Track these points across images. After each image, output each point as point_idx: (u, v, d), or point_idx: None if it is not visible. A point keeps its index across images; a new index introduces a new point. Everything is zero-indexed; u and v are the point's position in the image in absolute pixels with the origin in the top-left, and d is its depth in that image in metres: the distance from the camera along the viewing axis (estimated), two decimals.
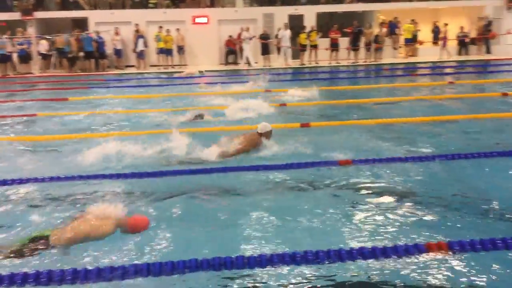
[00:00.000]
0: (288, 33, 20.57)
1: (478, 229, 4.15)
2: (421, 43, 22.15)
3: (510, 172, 5.76)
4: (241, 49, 21.31)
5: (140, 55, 20.86)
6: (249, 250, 3.82)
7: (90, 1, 22.72)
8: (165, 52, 21.20)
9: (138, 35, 20.75)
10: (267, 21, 22.03)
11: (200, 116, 8.91)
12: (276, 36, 20.96)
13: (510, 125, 8.23)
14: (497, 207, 4.65)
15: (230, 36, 21.46)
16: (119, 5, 22.71)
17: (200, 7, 22.46)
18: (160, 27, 21.00)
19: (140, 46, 20.66)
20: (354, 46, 21.32)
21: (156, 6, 22.59)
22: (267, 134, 6.66)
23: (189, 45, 21.78)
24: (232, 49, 21.79)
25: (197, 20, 21.98)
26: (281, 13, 22.06)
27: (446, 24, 21.39)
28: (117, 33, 20.77)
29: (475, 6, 22.91)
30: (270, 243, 3.95)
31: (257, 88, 12.79)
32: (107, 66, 20.91)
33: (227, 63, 21.76)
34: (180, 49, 21.39)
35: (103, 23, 21.25)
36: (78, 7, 22.36)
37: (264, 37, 20.85)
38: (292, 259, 3.55)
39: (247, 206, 4.73)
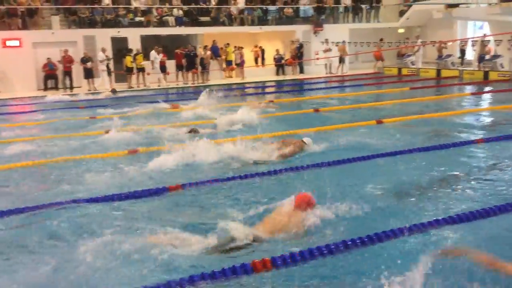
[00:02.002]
0: (160, 56, 20.83)
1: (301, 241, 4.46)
2: (232, 68, 23.25)
3: (326, 183, 6.32)
4: (63, 73, 20.20)
5: None
6: None
7: None
8: None
9: None
10: (88, 44, 21.06)
11: (194, 131, 9.59)
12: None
13: (324, 137, 9.09)
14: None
15: (49, 59, 19.99)
16: None
17: (10, 30, 20.43)
18: None
19: None
20: (189, 68, 21.77)
21: None
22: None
23: (1, 71, 19.65)
24: (53, 74, 20.35)
25: (8, 43, 19.93)
26: (103, 36, 21.31)
27: (240, 48, 23.21)
28: None
29: (287, 31, 25.26)
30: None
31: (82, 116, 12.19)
32: None
33: (46, 88, 20.16)
34: None
35: None
36: None
37: (86, 60, 19.92)
38: None
39: None
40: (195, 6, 24.03)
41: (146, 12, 23.00)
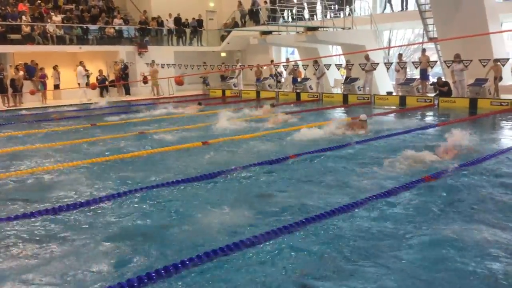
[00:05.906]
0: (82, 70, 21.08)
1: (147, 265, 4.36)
2: (33, 92, 21.09)
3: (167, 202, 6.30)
4: None
5: None
6: None
7: None
8: None
9: None
10: None
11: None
12: None
13: (152, 162, 8.99)
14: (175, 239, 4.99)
15: None
16: None
17: None
18: None
19: None
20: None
21: None
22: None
23: None
24: None
25: None
26: None
27: (54, 68, 22.11)
28: None
29: (110, 51, 24.54)
30: None
31: None
32: None
33: None
34: None
35: None
36: None
37: None
38: None
39: None
40: (2, 22, 21.85)
41: None
